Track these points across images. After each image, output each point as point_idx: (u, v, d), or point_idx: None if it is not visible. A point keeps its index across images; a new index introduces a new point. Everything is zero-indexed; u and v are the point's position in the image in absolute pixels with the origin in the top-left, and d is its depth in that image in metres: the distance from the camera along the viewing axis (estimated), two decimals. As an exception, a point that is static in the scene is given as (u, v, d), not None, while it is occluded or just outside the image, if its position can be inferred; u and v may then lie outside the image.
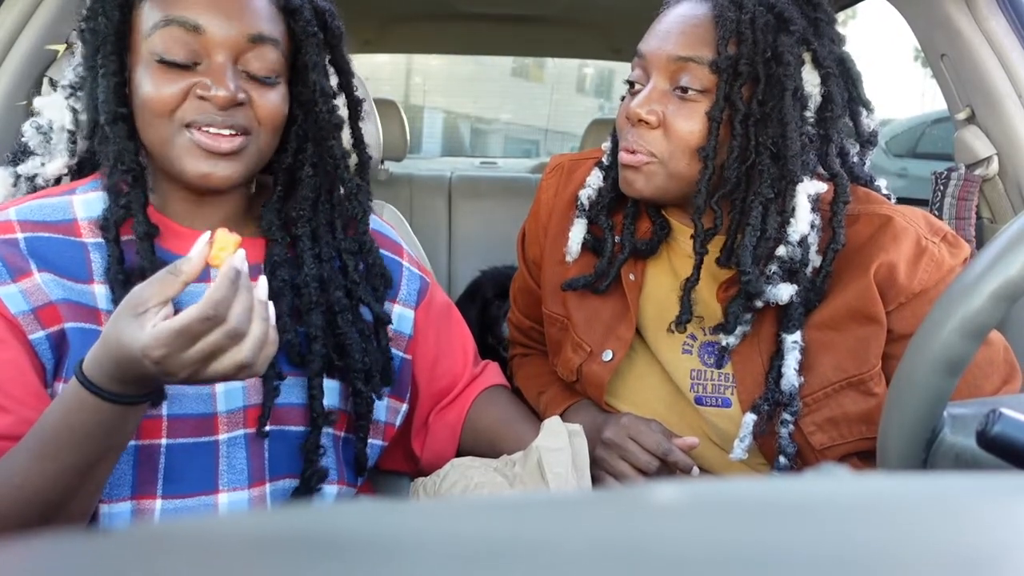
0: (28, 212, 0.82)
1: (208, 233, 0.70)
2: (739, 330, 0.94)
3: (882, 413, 0.61)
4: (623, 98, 0.99)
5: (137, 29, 0.79)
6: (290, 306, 0.87)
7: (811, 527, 0.23)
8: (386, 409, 0.99)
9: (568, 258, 1.02)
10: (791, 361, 0.91)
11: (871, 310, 0.90)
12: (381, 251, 0.99)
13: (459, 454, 1.00)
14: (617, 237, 1.00)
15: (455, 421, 1.04)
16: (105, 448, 0.73)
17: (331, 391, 0.91)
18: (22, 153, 0.91)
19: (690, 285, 0.96)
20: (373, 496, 1.03)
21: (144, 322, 0.66)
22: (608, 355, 1.01)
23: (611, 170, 1.01)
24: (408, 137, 2.53)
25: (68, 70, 0.89)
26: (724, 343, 0.95)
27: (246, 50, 0.79)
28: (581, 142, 2.66)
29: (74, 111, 0.89)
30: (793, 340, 0.91)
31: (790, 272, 0.90)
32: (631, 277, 1.01)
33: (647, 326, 1.02)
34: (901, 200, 1.02)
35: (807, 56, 0.89)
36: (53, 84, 1.17)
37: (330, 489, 0.92)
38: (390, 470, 1.06)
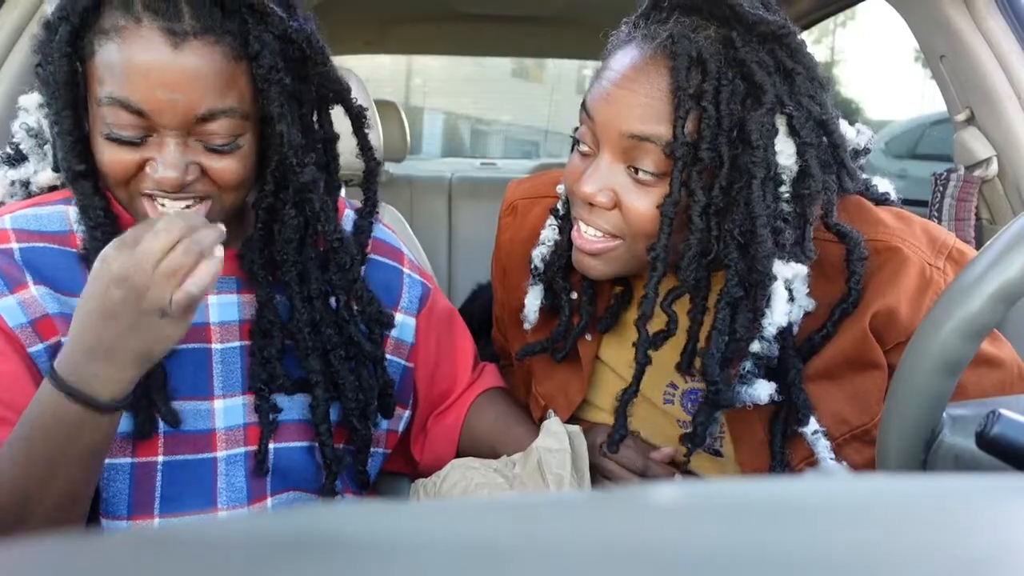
0: (23, 221, 0.81)
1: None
2: (714, 429, 0.85)
3: (882, 414, 0.61)
4: (572, 147, 0.86)
5: (92, 81, 0.73)
6: (279, 348, 0.85)
7: (810, 527, 0.23)
8: None
9: (526, 325, 0.95)
10: (824, 453, 0.82)
11: (869, 357, 0.82)
12: (381, 259, 0.98)
13: (459, 456, 1.00)
14: (575, 294, 0.92)
15: (453, 425, 1.03)
16: (66, 454, 0.70)
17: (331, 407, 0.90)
18: (16, 156, 0.88)
19: (627, 397, 0.86)
20: (373, 497, 1.03)
21: None
22: (551, 415, 0.96)
23: (566, 221, 0.90)
24: (408, 138, 2.53)
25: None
26: (707, 445, 0.87)
27: (197, 126, 0.73)
28: (581, 143, 2.66)
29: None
30: (813, 431, 0.82)
31: (768, 369, 0.80)
32: (587, 338, 0.94)
33: (624, 370, 0.95)
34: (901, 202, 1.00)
35: (781, 122, 0.76)
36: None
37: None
38: (390, 471, 1.06)
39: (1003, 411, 0.52)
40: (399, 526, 0.24)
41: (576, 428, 0.92)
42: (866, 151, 0.92)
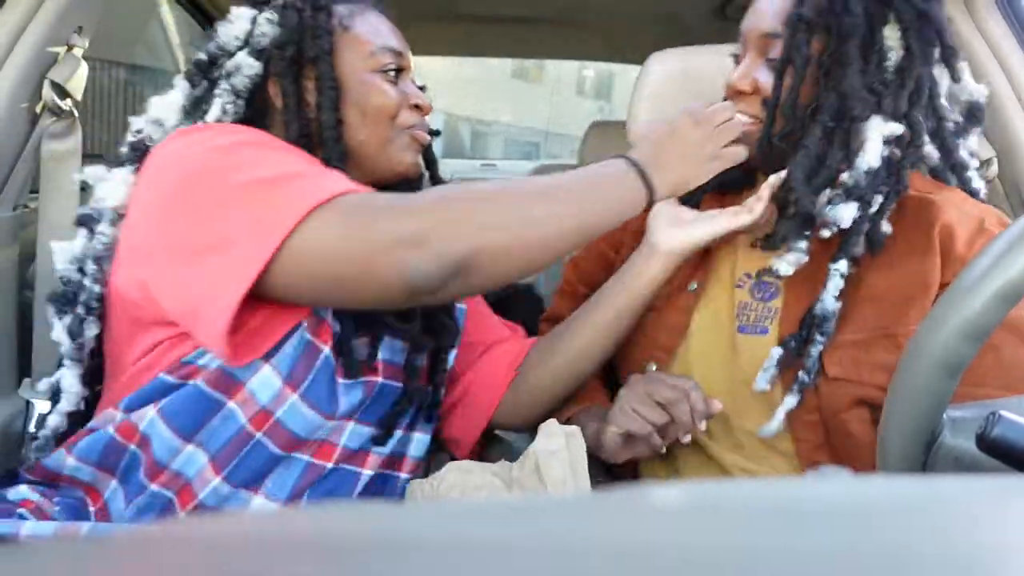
0: None
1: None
2: (792, 257, 0.93)
3: (882, 415, 0.61)
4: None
5: (346, 52, 0.95)
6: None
7: (810, 530, 0.23)
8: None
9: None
10: (831, 288, 0.90)
11: (927, 279, 0.91)
12: None
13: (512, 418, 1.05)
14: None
15: (512, 362, 1.08)
16: (594, 205, 0.85)
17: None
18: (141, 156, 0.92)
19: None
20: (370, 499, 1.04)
21: None
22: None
23: None
24: (408, 139, 2.53)
25: (240, 76, 0.93)
26: (775, 268, 0.94)
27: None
28: (581, 144, 2.66)
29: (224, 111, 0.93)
30: (835, 267, 0.91)
31: (857, 198, 0.90)
32: (690, 288, 1.05)
33: (710, 336, 1.03)
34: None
35: (888, 13, 0.93)
36: (55, 86, 1.17)
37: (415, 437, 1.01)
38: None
39: (1003, 413, 0.52)
40: (399, 527, 0.24)
41: (573, 429, 0.92)
42: (978, 109, 1.01)
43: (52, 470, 0.88)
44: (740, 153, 0.94)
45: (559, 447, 0.89)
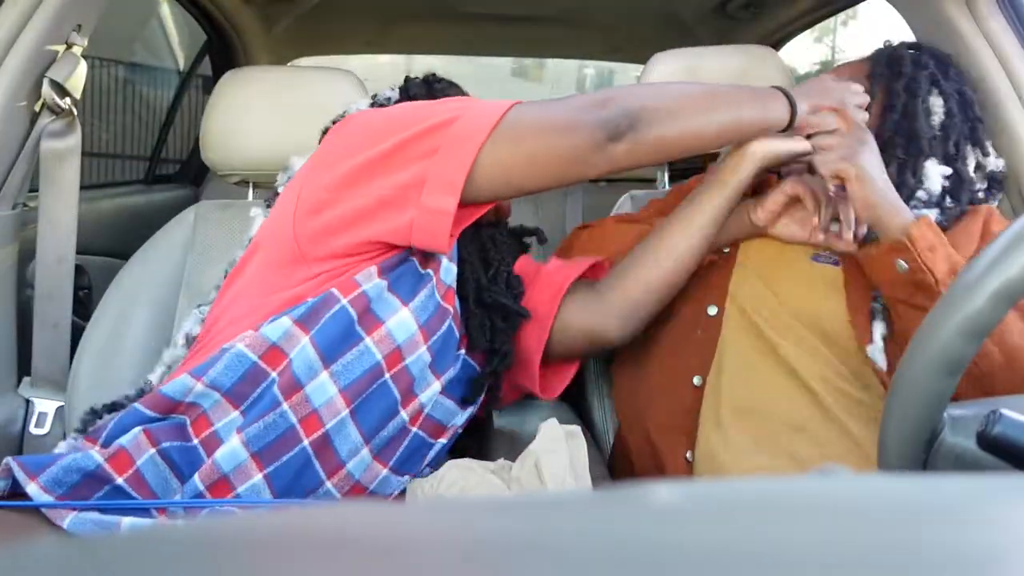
0: None
1: None
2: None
3: (882, 413, 0.61)
4: None
5: None
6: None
7: (811, 527, 0.23)
8: None
9: None
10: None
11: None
12: None
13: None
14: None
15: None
16: (751, 120, 1.01)
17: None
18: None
19: None
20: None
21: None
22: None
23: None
24: (408, 137, 2.53)
25: None
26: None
27: None
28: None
29: None
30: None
31: (935, 205, 1.10)
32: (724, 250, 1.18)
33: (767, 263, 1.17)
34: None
35: (935, 90, 1.18)
36: (54, 84, 1.17)
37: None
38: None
39: (1004, 411, 0.52)
40: (399, 525, 0.24)
41: (574, 428, 0.92)
42: (1002, 176, 1.21)
43: (170, 398, 0.89)
44: (865, 115, 1.08)
45: (559, 446, 0.89)
